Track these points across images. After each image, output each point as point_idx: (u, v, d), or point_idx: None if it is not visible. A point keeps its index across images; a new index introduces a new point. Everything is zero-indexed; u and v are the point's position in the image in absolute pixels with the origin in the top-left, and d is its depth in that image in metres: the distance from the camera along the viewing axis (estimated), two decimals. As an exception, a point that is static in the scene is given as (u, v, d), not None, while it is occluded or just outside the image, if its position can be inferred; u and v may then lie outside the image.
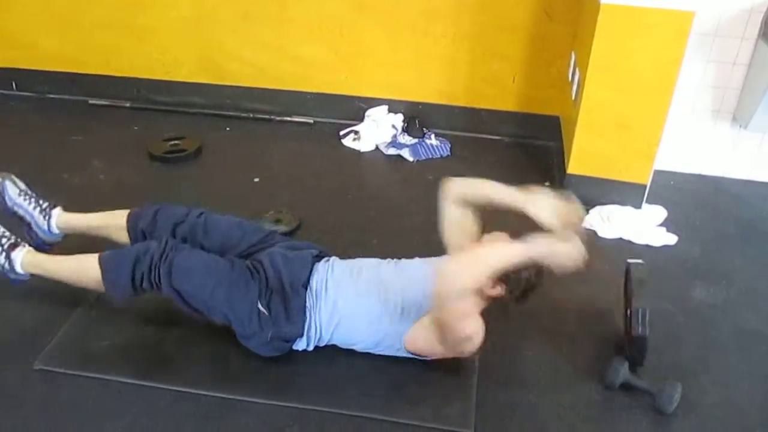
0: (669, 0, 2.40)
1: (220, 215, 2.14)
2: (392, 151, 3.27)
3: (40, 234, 2.18)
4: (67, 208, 2.24)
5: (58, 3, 3.55)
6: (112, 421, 1.75)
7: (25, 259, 2.01)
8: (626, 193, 2.77)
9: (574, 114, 2.80)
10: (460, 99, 3.46)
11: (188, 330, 2.03)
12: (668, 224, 2.72)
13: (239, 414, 1.78)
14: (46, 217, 2.19)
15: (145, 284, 1.89)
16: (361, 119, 3.44)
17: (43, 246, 2.17)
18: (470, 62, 3.34)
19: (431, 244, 2.52)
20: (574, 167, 2.81)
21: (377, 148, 3.32)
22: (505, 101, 3.42)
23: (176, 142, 3.22)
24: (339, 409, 1.81)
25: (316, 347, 1.94)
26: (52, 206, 2.22)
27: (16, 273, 2.01)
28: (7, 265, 2.00)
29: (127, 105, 3.69)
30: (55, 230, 2.20)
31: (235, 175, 3.03)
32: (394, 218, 2.72)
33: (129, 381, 1.85)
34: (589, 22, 2.67)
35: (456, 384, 1.91)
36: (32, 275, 2.03)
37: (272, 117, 3.56)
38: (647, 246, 2.60)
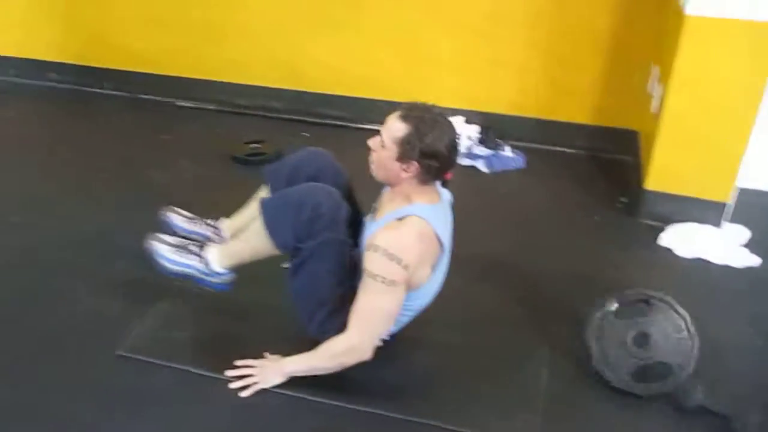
0: (755, 12, 2.33)
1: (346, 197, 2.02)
2: (467, 162, 3.28)
3: None
4: (228, 215, 2.25)
5: (153, 7, 3.75)
6: (189, 411, 1.83)
7: (219, 255, 1.98)
8: (706, 212, 2.69)
9: (653, 128, 2.74)
10: (535, 110, 3.44)
11: (266, 328, 2.10)
12: (751, 245, 2.62)
13: (307, 413, 1.81)
14: (218, 232, 2.22)
15: (304, 233, 1.78)
16: (435, 128, 3.46)
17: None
18: (545, 73, 3.32)
19: (506, 253, 2.54)
20: (651, 183, 2.75)
21: (451, 157, 3.34)
22: (581, 113, 3.38)
23: (257, 145, 3.34)
24: (398, 414, 1.80)
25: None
26: (216, 220, 2.25)
27: (217, 274, 1.98)
28: (205, 269, 1.98)
29: (212, 107, 3.85)
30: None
31: (312, 179, 3.10)
32: (468, 228, 2.71)
33: (206, 374, 1.92)
34: (673, 34, 2.61)
35: (522, 392, 1.90)
36: (233, 272, 2.00)
37: (348, 123, 3.63)
38: (727, 267, 2.52)
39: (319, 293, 1.85)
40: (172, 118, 3.77)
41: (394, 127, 1.73)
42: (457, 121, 3.45)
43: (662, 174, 2.72)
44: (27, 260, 2.43)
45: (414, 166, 1.72)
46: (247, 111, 3.80)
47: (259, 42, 3.69)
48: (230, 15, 3.65)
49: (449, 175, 1.80)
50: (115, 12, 3.83)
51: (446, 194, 1.92)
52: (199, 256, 1.99)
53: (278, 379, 1.86)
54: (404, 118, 1.72)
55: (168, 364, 1.95)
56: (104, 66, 4.02)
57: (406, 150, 1.70)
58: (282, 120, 3.72)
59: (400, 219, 1.75)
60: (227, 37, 3.72)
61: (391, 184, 1.82)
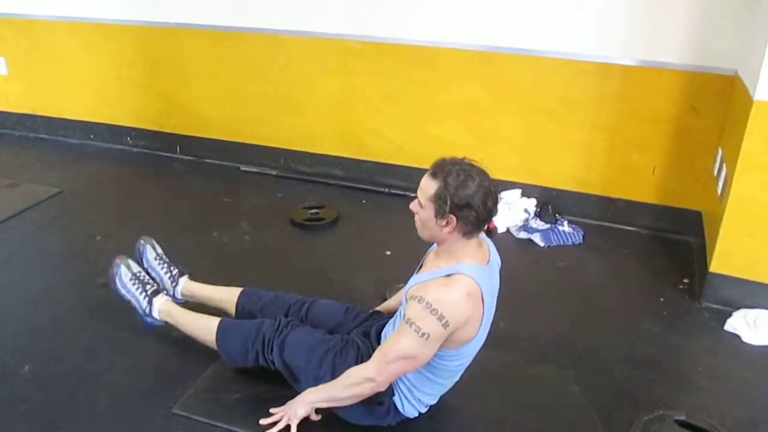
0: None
1: (326, 301, 2.22)
2: (523, 235, 3.27)
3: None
4: (192, 277, 2.43)
5: (225, 78, 3.95)
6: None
7: (162, 307, 2.27)
8: (776, 298, 2.59)
9: (719, 210, 2.69)
10: (595, 187, 3.42)
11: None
12: (824, 336, 2.50)
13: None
14: (174, 284, 2.41)
15: (260, 360, 2.04)
16: (493, 201, 3.48)
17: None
18: (609, 151, 3.32)
19: (566, 331, 2.49)
20: (717, 266, 2.67)
21: (508, 230, 3.33)
22: (643, 192, 3.34)
23: (316, 210, 3.42)
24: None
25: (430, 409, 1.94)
26: (181, 274, 2.43)
27: (152, 318, 2.28)
28: (147, 309, 2.27)
29: (274, 173, 3.97)
30: (179, 297, 2.40)
31: (369, 246, 3.14)
32: (524, 303, 2.69)
33: (249, 433, 1.93)
34: (740, 118, 2.59)
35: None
36: (165, 322, 2.28)
37: (407, 193, 3.68)
38: (799, 357, 2.40)
39: (320, 373, 1.94)
40: (236, 182, 3.90)
41: (426, 186, 1.75)
42: (514, 195, 3.47)
43: (728, 257, 2.65)
44: (98, 317, 2.52)
45: (452, 219, 1.71)
46: (308, 177, 3.91)
47: (323, 113, 3.82)
48: (297, 88, 3.80)
49: (492, 224, 1.80)
50: (189, 83, 4.05)
51: (495, 257, 1.91)
52: (148, 297, 2.27)
53: (302, 409, 1.89)
54: (434, 175, 1.74)
55: (220, 424, 1.98)
56: (178, 132, 4.23)
57: (441, 205, 1.71)
58: (342, 187, 3.80)
59: (448, 276, 1.74)
60: (293, 108, 3.86)
61: (438, 243, 1.83)
